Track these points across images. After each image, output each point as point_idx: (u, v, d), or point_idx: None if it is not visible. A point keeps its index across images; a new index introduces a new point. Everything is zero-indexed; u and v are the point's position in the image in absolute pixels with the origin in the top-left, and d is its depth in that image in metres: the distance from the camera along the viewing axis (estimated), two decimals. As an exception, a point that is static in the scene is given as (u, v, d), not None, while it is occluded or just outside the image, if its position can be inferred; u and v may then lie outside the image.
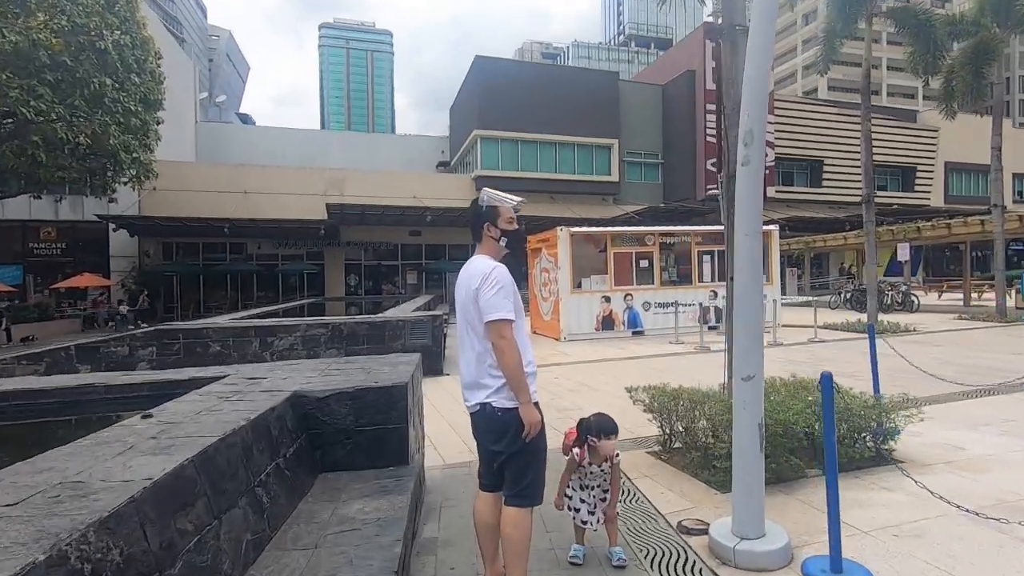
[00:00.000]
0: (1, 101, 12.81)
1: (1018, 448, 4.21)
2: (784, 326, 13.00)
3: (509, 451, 2.23)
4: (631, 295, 13.00)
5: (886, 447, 3.95)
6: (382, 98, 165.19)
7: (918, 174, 35.62)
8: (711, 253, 13.72)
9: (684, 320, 12.54)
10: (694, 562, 2.72)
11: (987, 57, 14.43)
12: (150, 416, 2.32)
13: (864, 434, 3.89)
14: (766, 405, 3.85)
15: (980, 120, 35.33)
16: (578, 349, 10.96)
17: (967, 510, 2.91)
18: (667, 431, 4.38)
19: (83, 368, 7.00)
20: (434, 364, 8.29)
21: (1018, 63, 64.47)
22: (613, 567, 2.67)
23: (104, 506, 1.33)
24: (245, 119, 61.24)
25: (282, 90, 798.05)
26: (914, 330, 12.13)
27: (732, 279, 4.44)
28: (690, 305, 13.12)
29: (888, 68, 62.04)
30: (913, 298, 17.77)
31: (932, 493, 2.95)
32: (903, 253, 18.27)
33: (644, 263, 13.29)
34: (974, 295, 20.80)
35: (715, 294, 13.51)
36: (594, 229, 13.80)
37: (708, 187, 27.76)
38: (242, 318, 9.83)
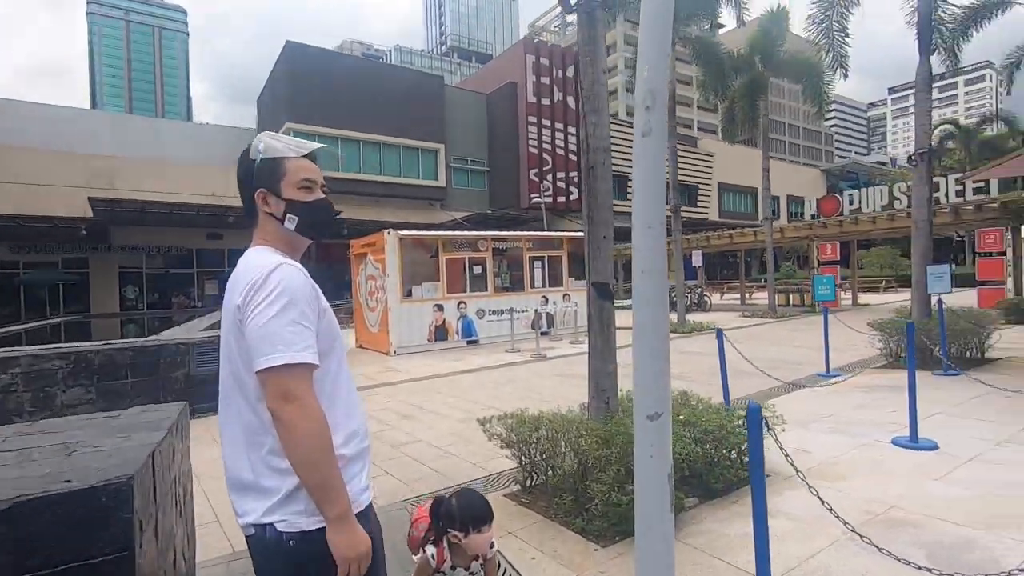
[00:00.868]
0: None
1: (851, 446, 4.33)
2: (609, 329, 13.48)
3: None
4: (464, 303, 12.36)
5: (752, 462, 3.74)
6: (175, 83, 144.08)
7: (699, 192, 41.31)
8: (541, 259, 13.76)
9: (519, 327, 12.27)
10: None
11: (759, 91, 16.89)
12: None
13: (732, 451, 3.60)
14: (625, 428, 3.37)
15: (746, 150, 42.38)
16: (410, 364, 9.94)
17: (856, 532, 2.64)
18: (528, 468, 3.67)
19: None
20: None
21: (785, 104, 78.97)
22: None
23: None
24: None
25: (34, 60, 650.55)
26: (713, 328, 13.43)
27: (593, 285, 3.92)
28: (524, 312, 12.95)
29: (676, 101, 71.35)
30: (706, 299, 20.13)
31: (807, 517, 2.62)
32: (697, 259, 20.60)
33: (477, 269, 12.76)
34: (747, 295, 24.42)
35: (546, 300, 13.55)
36: (425, 233, 12.90)
37: (531, 196, 28.68)
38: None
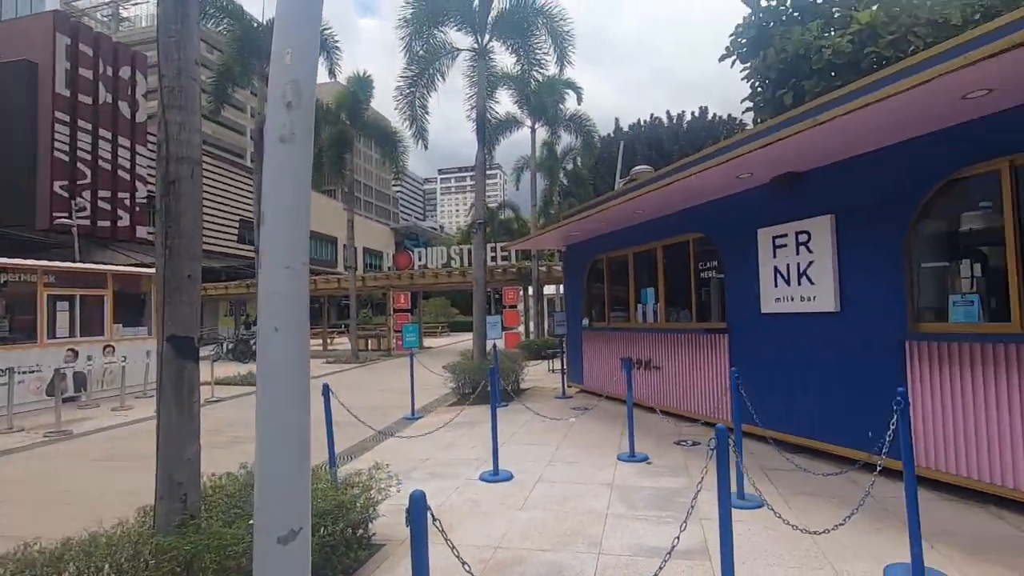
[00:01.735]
0: None
1: (451, 489, 4.50)
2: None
3: None
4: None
5: (370, 534, 3.36)
6: None
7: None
8: (70, 299, 10.25)
9: (24, 394, 8.65)
10: None
11: (346, 145, 17.67)
12: None
13: (350, 529, 3.14)
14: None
15: (328, 199, 43.72)
16: None
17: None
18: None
19: None
20: None
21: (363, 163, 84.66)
22: None
23: None
24: None
25: None
26: (301, 378, 12.77)
27: (170, 339, 2.85)
28: (34, 371, 9.26)
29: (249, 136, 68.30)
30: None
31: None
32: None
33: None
34: (329, 341, 24.68)
35: (75, 354, 10.10)
36: None
37: (56, 215, 21.71)
38: None
